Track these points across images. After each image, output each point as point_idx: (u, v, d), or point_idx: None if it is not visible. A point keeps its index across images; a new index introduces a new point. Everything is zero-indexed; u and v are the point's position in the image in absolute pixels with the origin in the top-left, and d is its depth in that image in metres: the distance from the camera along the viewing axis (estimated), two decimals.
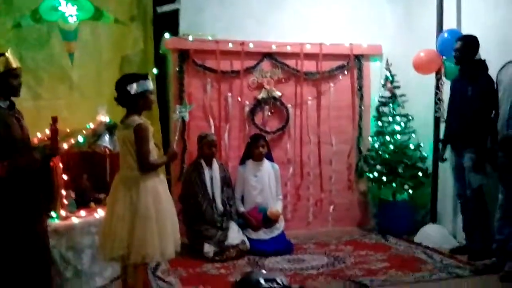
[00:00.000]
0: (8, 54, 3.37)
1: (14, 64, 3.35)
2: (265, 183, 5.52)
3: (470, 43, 4.92)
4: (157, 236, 3.50)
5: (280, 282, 3.20)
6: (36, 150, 3.49)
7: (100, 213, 4.32)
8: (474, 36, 4.95)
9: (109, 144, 4.63)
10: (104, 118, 4.73)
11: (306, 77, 6.14)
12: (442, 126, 5.45)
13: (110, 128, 4.63)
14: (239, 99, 5.95)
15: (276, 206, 5.55)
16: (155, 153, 3.68)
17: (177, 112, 4.13)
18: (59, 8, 5.21)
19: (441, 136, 5.44)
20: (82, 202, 4.50)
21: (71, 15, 5.22)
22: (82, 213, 4.35)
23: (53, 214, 4.14)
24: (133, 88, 3.56)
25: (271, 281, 3.20)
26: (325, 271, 4.64)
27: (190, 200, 5.21)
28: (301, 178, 6.18)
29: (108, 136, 4.65)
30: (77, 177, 4.60)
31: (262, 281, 3.19)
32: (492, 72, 4.71)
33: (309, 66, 6.14)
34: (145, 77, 3.69)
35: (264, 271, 3.47)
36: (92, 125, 4.70)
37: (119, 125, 3.75)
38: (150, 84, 3.69)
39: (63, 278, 3.98)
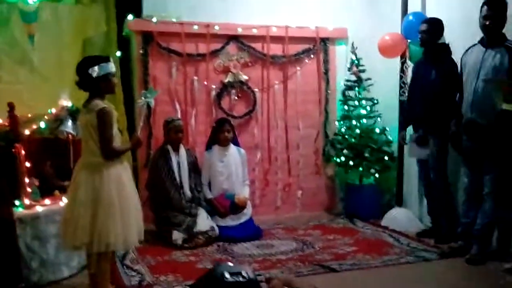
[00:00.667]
0: None
1: None
2: (231, 168, 5.45)
3: (435, 26, 4.95)
4: (120, 224, 3.42)
5: (246, 275, 3.14)
6: None
7: (64, 201, 4.18)
8: (439, 19, 5.00)
9: (72, 130, 4.50)
10: (66, 103, 4.58)
11: (272, 61, 6.08)
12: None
13: (73, 113, 4.49)
14: (205, 83, 5.85)
15: (243, 192, 5.50)
16: (118, 139, 3.58)
17: (142, 98, 4.03)
18: None
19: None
20: (46, 190, 4.35)
21: None
22: (47, 201, 4.21)
23: (16, 202, 3.99)
24: (95, 71, 3.44)
25: (236, 275, 3.14)
26: (294, 256, 4.63)
27: (157, 186, 5.11)
28: (269, 163, 6.15)
29: (70, 121, 4.51)
30: (40, 164, 4.43)
31: (227, 275, 3.12)
32: (457, 55, 4.74)
33: (275, 49, 6.08)
34: (107, 59, 3.57)
35: (230, 264, 3.40)
36: (54, 110, 4.54)
37: (81, 110, 3.61)
38: (113, 67, 3.56)
39: (29, 269, 3.85)
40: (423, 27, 4.96)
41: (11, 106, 3.35)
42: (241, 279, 3.19)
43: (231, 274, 3.14)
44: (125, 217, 3.46)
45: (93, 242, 3.37)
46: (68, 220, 3.46)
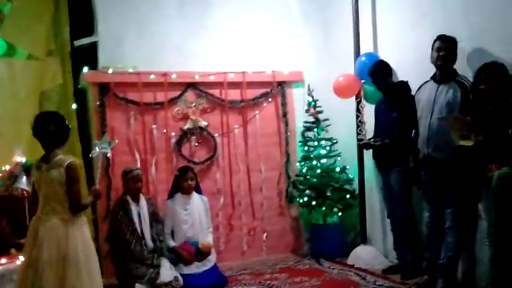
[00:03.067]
0: None
1: None
2: (195, 216, 5.39)
3: (380, 71, 5.13)
4: (88, 281, 3.36)
5: None
6: None
7: (22, 259, 4.06)
8: (381, 61, 5.22)
9: (27, 186, 4.41)
10: (21, 159, 4.50)
11: (231, 106, 6.12)
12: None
13: (27, 169, 4.41)
14: (165, 130, 5.84)
15: (207, 239, 5.44)
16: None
17: (97, 149, 4.00)
18: None
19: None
20: (1, 248, 4.23)
21: None
22: (3, 260, 4.08)
23: None
24: (58, 126, 3.51)
25: None
26: None
27: (118, 239, 5.00)
28: (232, 208, 6.10)
29: (25, 177, 4.44)
30: None
31: None
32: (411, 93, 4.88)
33: (233, 94, 6.13)
34: (59, 115, 3.63)
35: None
36: (8, 167, 4.45)
37: (41, 164, 3.53)
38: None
39: None
40: (371, 78, 5.21)
41: None
42: None
43: None
44: (91, 273, 3.40)
45: None
46: (27, 281, 3.34)
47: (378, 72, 5.16)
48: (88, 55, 5.70)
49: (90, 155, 4.06)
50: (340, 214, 6.01)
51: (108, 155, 4.10)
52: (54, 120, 3.53)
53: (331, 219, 6.07)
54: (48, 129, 3.49)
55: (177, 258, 5.21)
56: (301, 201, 6.12)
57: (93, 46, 5.75)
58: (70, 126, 3.59)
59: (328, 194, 5.93)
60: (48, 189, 3.44)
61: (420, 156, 4.60)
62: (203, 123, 5.98)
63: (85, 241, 3.45)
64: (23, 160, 4.49)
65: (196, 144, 5.98)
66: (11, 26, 5.27)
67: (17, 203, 4.52)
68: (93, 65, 5.65)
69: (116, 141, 4.93)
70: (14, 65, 5.33)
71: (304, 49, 6.49)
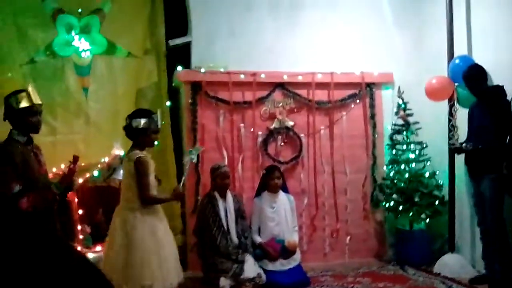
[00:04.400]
0: (30, 90, 3.39)
1: (35, 100, 3.36)
2: (281, 214, 5.46)
3: (474, 76, 4.94)
4: (157, 267, 3.55)
5: None
6: (53, 185, 3.49)
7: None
8: (476, 65, 4.99)
9: None
10: (119, 152, 4.74)
11: (318, 106, 6.12)
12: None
13: None
14: (252, 129, 5.94)
15: (292, 237, 5.48)
16: (153, 188, 3.77)
17: (188, 156, 4.19)
18: (73, 43, 5.27)
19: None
20: (98, 236, 4.47)
21: (85, 50, 5.26)
22: (98, 248, 4.31)
23: None
24: (136, 123, 3.71)
25: None
26: None
27: (204, 233, 5.15)
28: (316, 209, 6.11)
29: (122, 170, 4.65)
30: (92, 212, 4.58)
31: None
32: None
33: (321, 95, 6.14)
34: (149, 114, 3.81)
35: None
36: (107, 159, 4.69)
37: (124, 158, 3.87)
38: (155, 123, 3.79)
39: None
40: (464, 83, 5.01)
41: (75, 159, 3.51)
42: None
43: None
44: (162, 260, 3.60)
45: (127, 284, 3.51)
46: (105, 262, 3.66)
47: (473, 76, 4.97)
48: (181, 55, 5.92)
49: (183, 162, 4.23)
50: (427, 220, 5.85)
51: (194, 161, 4.26)
52: (126, 120, 3.79)
53: (418, 225, 5.92)
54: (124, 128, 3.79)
55: (263, 254, 5.29)
56: (387, 205, 6.02)
57: (187, 46, 5.96)
58: (138, 126, 3.70)
59: (416, 199, 5.79)
60: (124, 180, 3.76)
61: None
62: (290, 123, 6.02)
63: (155, 229, 3.64)
64: (121, 153, 4.71)
65: (282, 143, 6.04)
66: (111, 24, 5.56)
67: (114, 194, 4.75)
68: (187, 65, 5.85)
69: (203, 147, 5.11)
70: (114, 63, 5.61)
71: (395, 50, 6.37)
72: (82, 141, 5.14)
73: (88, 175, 4.43)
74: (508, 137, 4.58)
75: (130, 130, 3.74)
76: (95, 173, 4.48)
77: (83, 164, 4.57)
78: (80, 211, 4.26)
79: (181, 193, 3.93)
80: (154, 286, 3.55)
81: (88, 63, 5.46)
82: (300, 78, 6.04)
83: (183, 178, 4.15)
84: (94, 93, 5.49)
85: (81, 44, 5.32)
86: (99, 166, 4.57)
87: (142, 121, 3.71)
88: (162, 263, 3.58)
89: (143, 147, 3.76)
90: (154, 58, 5.83)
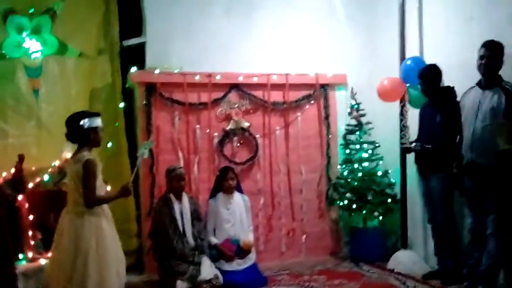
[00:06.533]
0: None
1: None
2: (236, 215, 5.48)
3: (431, 75, 5.05)
4: (98, 273, 3.54)
5: None
6: (5, 183, 3.43)
7: None
8: (433, 65, 5.09)
9: None
10: (70, 155, 4.65)
11: (273, 107, 6.17)
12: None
13: None
14: (208, 130, 5.93)
15: (248, 237, 5.51)
16: (102, 190, 3.76)
17: (141, 150, 4.16)
18: (23, 45, 5.15)
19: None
20: (49, 242, 4.37)
21: (35, 51, 5.16)
22: (50, 253, 4.22)
23: (20, 256, 4.02)
24: (86, 123, 3.69)
25: None
26: None
27: (160, 235, 5.12)
28: (272, 208, 6.15)
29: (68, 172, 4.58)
30: (43, 217, 4.48)
31: None
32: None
33: (276, 96, 6.17)
34: (96, 114, 3.84)
35: None
36: (57, 163, 4.61)
37: (69, 161, 3.83)
38: (100, 122, 3.81)
39: None
40: (420, 81, 5.10)
41: (21, 158, 3.45)
42: None
43: None
44: (103, 264, 3.57)
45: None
46: (52, 266, 3.65)
47: (429, 75, 5.07)
48: (136, 55, 5.86)
49: (137, 155, 4.18)
50: (380, 218, 5.98)
51: (145, 156, 4.22)
52: (67, 122, 3.78)
53: (372, 223, 6.04)
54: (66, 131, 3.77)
55: (219, 255, 5.30)
56: (341, 204, 6.12)
57: (141, 46, 5.90)
58: (91, 125, 3.70)
59: (369, 197, 5.91)
60: (70, 183, 3.72)
61: (463, 162, 4.54)
62: (245, 124, 6.05)
63: (101, 233, 3.62)
64: None
65: (238, 144, 6.06)
66: (63, 25, 5.47)
67: (65, 198, 4.66)
68: (141, 65, 5.80)
69: (153, 142, 5.11)
70: (66, 63, 5.51)
71: (348, 52, 6.47)
72: (34, 144, 5.04)
73: (38, 179, 4.34)
74: (458, 137, 4.71)
75: (78, 131, 3.69)
76: (46, 177, 4.39)
77: (33, 168, 4.49)
78: (31, 217, 4.16)
79: (127, 189, 3.88)
80: None
81: (39, 64, 5.36)
82: (255, 80, 6.07)
83: (133, 173, 4.12)
84: (46, 94, 5.38)
85: (32, 45, 5.21)
86: (49, 170, 4.48)
87: (92, 119, 3.71)
88: (103, 269, 3.57)
89: (90, 148, 3.73)
90: (108, 59, 5.75)
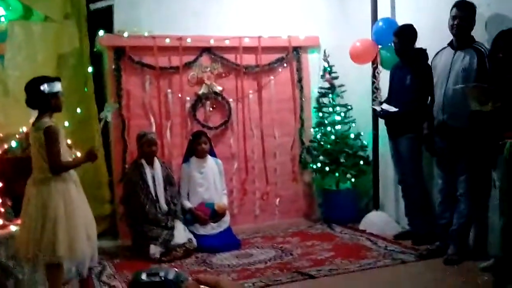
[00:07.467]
0: None
1: None
2: (210, 179, 5.48)
3: (407, 35, 5.02)
4: (67, 237, 3.52)
5: (163, 276, 3.17)
6: None
7: None
8: (410, 25, 5.04)
9: None
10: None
11: (246, 71, 6.11)
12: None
13: None
14: (180, 95, 5.86)
15: (222, 201, 5.53)
16: (67, 155, 3.73)
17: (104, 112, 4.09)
18: None
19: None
20: (19, 209, 4.32)
21: None
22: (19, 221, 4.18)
23: None
24: (46, 88, 3.60)
25: (153, 275, 3.14)
26: (273, 265, 4.66)
27: (132, 201, 5.10)
28: (246, 173, 6.16)
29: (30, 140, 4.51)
30: (13, 184, 4.40)
31: (143, 276, 3.16)
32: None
33: (248, 59, 6.11)
34: (56, 79, 3.76)
35: (156, 266, 3.42)
36: (25, 129, 4.52)
37: (31, 128, 3.75)
38: (60, 86, 3.72)
39: None
40: (395, 39, 5.05)
41: None
42: (156, 279, 3.24)
43: (148, 275, 3.15)
44: (72, 230, 3.55)
45: (40, 254, 3.49)
46: (21, 233, 3.64)
47: (405, 34, 5.02)
48: (104, 19, 5.70)
49: (100, 117, 4.10)
50: (353, 180, 6.04)
51: (109, 119, 4.15)
52: (26, 88, 3.69)
53: (344, 185, 6.11)
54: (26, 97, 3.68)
55: (193, 218, 5.31)
56: (314, 167, 6.15)
57: (109, 10, 5.74)
58: (52, 90, 3.61)
59: (342, 160, 5.95)
60: (33, 150, 3.65)
61: (435, 123, 4.58)
62: (218, 88, 5.98)
63: (69, 198, 3.59)
64: None
65: (211, 109, 6.01)
66: None
67: None
68: (109, 29, 5.65)
69: (117, 105, 5.12)
70: (32, 29, 5.35)
71: (320, 14, 6.40)
72: (0, 111, 4.91)
73: (6, 146, 4.25)
74: (429, 98, 4.73)
75: (38, 97, 3.60)
76: (14, 143, 4.30)
77: (1, 135, 4.39)
78: (0, 184, 4.09)
79: (93, 153, 3.83)
80: (63, 257, 3.52)
81: (4, 30, 5.18)
82: (227, 43, 5.98)
83: (97, 134, 4.08)
84: (11, 60, 5.22)
85: None
86: (17, 136, 4.39)
87: (52, 84, 3.62)
88: (72, 235, 3.55)
89: (51, 114, 3.66)
90: (74, 23, 5.58)
